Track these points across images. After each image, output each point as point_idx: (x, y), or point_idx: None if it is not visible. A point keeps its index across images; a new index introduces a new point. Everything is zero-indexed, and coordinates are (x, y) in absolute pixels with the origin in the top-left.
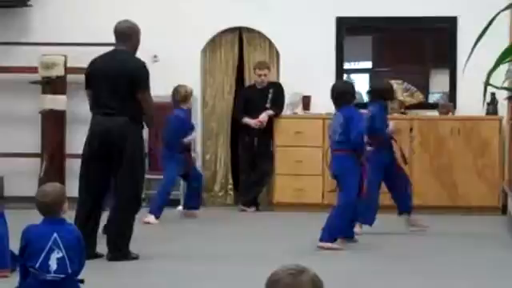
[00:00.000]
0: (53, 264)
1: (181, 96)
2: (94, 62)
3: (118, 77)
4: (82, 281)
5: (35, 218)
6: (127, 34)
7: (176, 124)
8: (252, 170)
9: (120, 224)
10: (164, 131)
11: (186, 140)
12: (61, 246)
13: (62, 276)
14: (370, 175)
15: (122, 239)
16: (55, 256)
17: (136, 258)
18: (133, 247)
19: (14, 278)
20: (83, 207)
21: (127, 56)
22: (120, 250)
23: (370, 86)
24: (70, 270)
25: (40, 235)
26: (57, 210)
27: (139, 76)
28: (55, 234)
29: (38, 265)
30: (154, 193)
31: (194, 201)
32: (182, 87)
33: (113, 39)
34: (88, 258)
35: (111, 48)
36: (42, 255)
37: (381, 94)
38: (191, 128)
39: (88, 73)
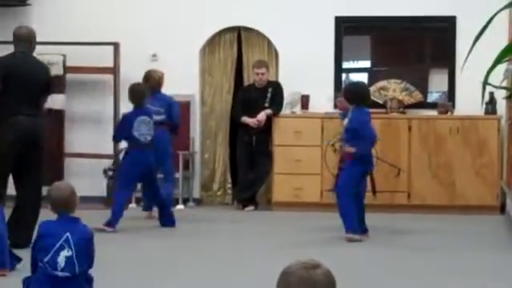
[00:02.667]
0: (61, 261)
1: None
2: (7, 65)
3: (36, 79)
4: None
5: None
6: (29, 40)
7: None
8: (250, 169)
9: (36, 213)
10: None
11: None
12: (71, 245)
13: (68, 275)
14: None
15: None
16: (64, 254)
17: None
18: (130, 244)
19: (13, 277)
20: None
21: (37, 59)
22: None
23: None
24: (77, 271)
25: (53, 231)
26: (72, 205)
27: (51, 79)
28: (68, 234)
29: (46, 259)
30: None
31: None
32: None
33: (111, 38)
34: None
35: (111, 47)
36: (52, 251)
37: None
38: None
39: (3, 74)
